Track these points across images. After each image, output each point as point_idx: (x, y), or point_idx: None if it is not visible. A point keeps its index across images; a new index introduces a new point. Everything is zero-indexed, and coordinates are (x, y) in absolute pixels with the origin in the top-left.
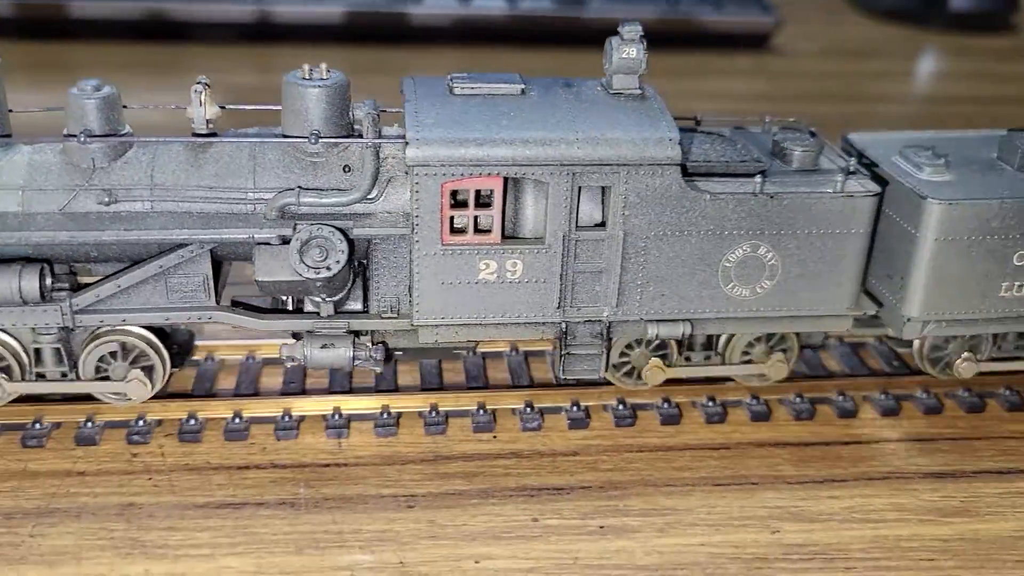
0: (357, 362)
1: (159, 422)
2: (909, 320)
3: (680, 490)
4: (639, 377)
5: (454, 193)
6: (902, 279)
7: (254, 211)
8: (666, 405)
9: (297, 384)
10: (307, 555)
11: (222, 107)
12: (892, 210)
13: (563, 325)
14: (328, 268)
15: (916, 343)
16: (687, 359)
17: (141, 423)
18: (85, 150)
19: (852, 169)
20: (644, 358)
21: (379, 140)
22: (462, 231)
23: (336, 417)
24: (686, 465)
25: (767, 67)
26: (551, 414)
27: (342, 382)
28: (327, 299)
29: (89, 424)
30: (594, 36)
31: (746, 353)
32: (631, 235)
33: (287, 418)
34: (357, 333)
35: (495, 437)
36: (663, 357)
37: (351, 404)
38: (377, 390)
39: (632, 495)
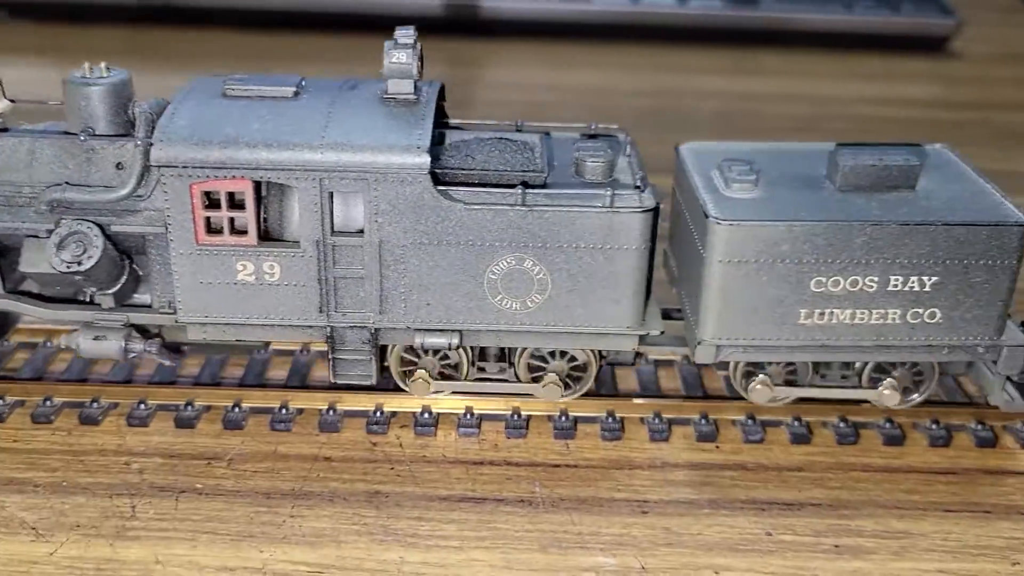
0: (132, 355)
1: (394, 413)
2: (701, 343)
3: (911, 513)
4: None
5: (207, 194)
6: (696, 300)
7: (29, 204)
8: (888, 425)
9: None
10: (551, 554)
11: (12, 101)
12: (694, 228)
13: (328, 329)
14: (80, 264)
15: (731, 367)
16: (480, 369)
17: (379, 414)
18: None
19: (637, 183)
20: (432, 366)
21: (144, 139)
22: (219, 231)
23: (563, 419)
24: (914, 488)
25: (943, 71)
26: (771, 427)
27: None
28: (98, 293)
29: (331, 412)
30: (767, 36)
31: (537, 369)
32: (387, 242)
33: (516, 417)
34: (136, 327)
35: (718, 447)
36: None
37: (577, 407)
38: (599, 395)
39: (863, 515)
